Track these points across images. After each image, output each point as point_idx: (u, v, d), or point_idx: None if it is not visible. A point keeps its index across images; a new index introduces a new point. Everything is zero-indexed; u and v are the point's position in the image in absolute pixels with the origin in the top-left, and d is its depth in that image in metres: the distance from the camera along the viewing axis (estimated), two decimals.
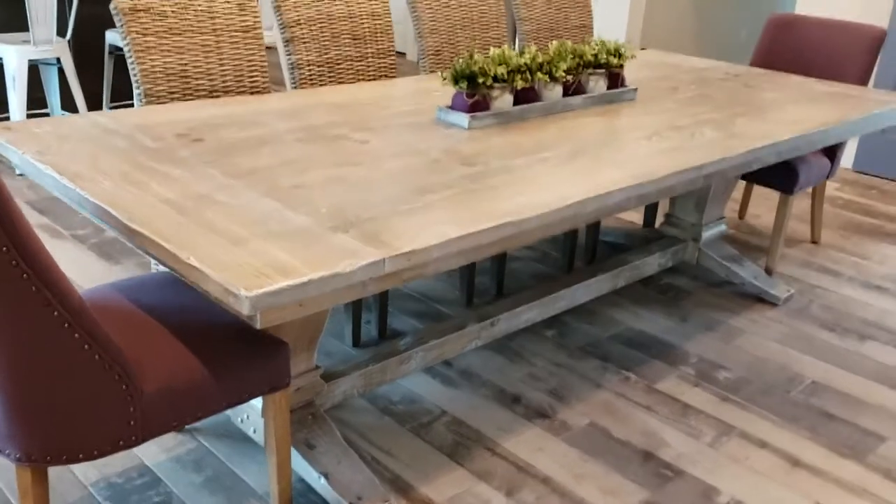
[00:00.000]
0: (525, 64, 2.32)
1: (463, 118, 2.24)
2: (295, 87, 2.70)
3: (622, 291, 3.11)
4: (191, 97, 2.45)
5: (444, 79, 2.23)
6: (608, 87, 2.64)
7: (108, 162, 1.80)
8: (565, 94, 2.51)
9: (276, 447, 1.82)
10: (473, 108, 2.26)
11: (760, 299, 3.10)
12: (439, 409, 2.33)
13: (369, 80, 2.90)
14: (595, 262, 3.24)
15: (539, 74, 2.35)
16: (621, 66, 2.64)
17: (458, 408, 2.34)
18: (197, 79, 2.45)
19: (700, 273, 3.30)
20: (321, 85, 2.75)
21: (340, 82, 2.80)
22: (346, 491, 1.90)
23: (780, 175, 3.18)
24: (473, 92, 2.25)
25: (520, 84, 2.30)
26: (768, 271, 3.31)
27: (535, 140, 2.17)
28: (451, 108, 2.29)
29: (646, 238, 3.48)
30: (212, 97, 2.49)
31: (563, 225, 1.81)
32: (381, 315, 2.66)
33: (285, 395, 1.79)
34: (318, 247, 1.46)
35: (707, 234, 3.21)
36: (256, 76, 2.57)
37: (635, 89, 2.71)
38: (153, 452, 2.09)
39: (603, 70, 2.58)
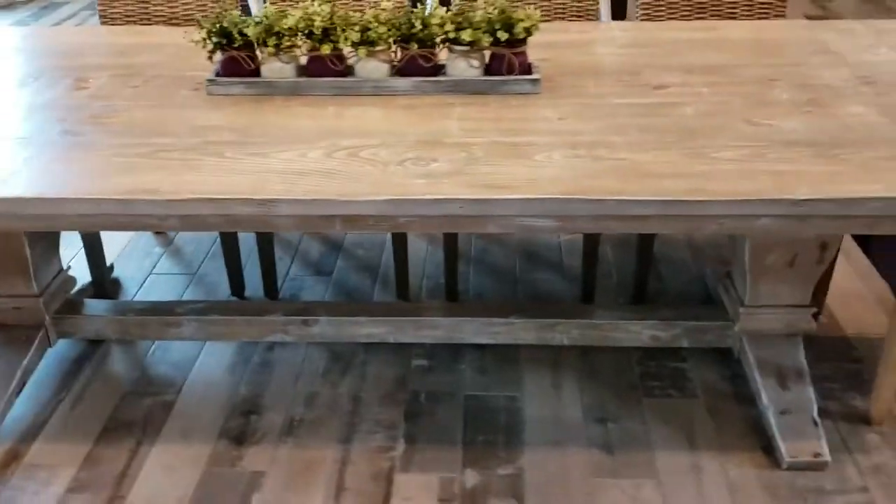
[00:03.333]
0: (293, 27, 1.84)
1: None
2: None
3: (591, 351, 2.24)
4: (147, 23, 2.56)
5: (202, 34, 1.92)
6: (491, 71, 1.88)
7: None
8: (404, 71, 1.89)
9: None
10: (225, 70, 1.92)
11: (767, 450, 1.92)
12: (170, 388, 2.17)
13: None
14: (643, 303, 2.43)
15: (307, 41, 1.85)
16: (511, 44, 1.84)
17: (187, 397, 2.14)
18: (156, 4, 2.54)
19: (740, 372, 2.14)
20: None
21: None
22: None
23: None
24: (224, 51, 1.90)
25: (270, 52, 1.86)
26: (868, 420, 2.00)
27: (216, 123, 1.77)
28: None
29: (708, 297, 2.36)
30: (169, 25, 2.55)
31: None
32: (264, 271, 2.49)
33: None
34: None
35: (752, 319, 2.06)
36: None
37: (535, 80, 1.86)
38: None
39: (465, 47, 1.85)
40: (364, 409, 2.08)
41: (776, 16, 2.48)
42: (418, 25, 1.83)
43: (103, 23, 2.57)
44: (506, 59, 1.86)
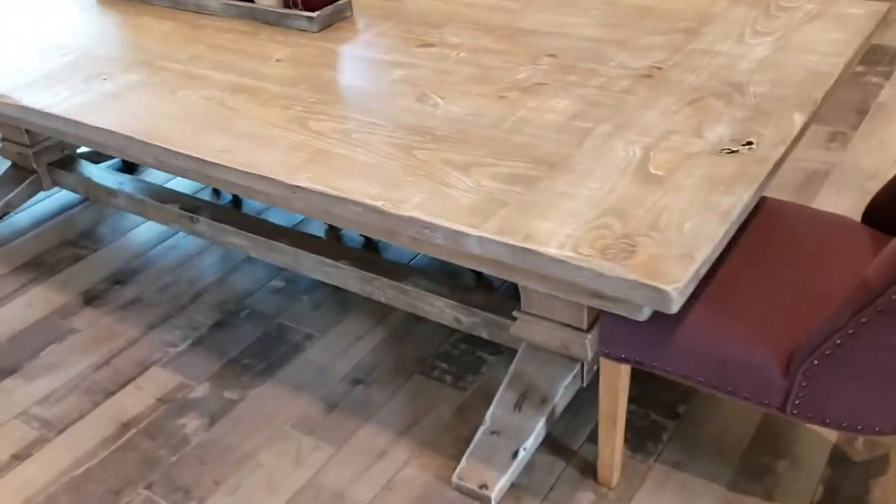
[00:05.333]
0: None
1: None
2: None
3: (423, 318, 2.14)
4: None
5: None
6: (287, 4, 1.85)
7: None
8: None
9: None
10: None
11: None
12: (96, 245, 2.53)
13: None
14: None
15: None
16: None
17: (97, 256, 2.49)
18: None
19: None
20: None
21: None
22: None
23: None
24: None
25: None
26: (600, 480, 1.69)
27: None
28: None
29: None
30: None
31: None
32: None
33: None
34: None
35: (524, 327, 1.81)
36: None
37: (310, 17, 1.78)
38: None
39: None
40: (193, 307, 2.26)
41: None
42: None
43: None
44: None
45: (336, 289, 2.28)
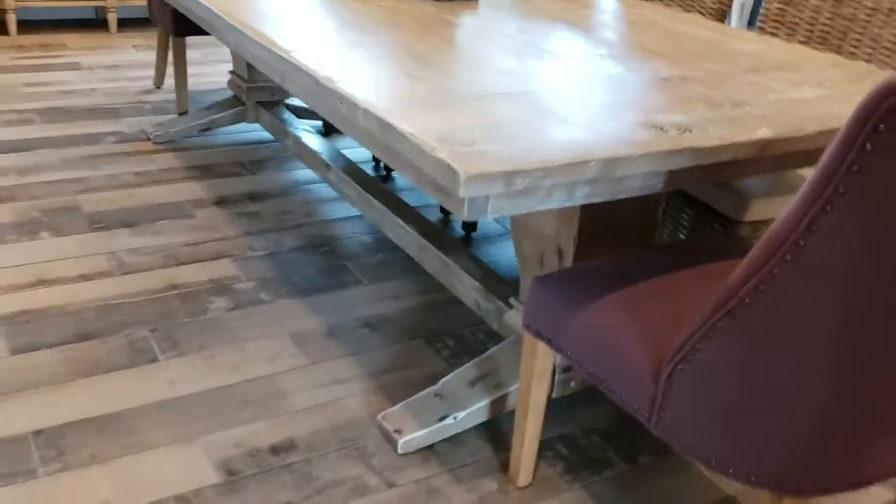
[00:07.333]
0: None
1: None
2: None
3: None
4: None
5: None
6: None
7: None
8: None
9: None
10: None
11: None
12: (252, 170, 2.87)
13: None
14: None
15: None
16: None
17: (251, 177, 2.82)
18: None
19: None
20: None
21: None
22: None
23: None
24: None
25: None
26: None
27: None
28: None
29: None
30: None
31: None
32: None
33: None
34: None
35: (515, 316, 1.78)
36: None
37: None
38: None
39: None
40: (289, 231, 2.49)
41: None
42: None
43: None
44: None
45: (408, 257, 2.39)
